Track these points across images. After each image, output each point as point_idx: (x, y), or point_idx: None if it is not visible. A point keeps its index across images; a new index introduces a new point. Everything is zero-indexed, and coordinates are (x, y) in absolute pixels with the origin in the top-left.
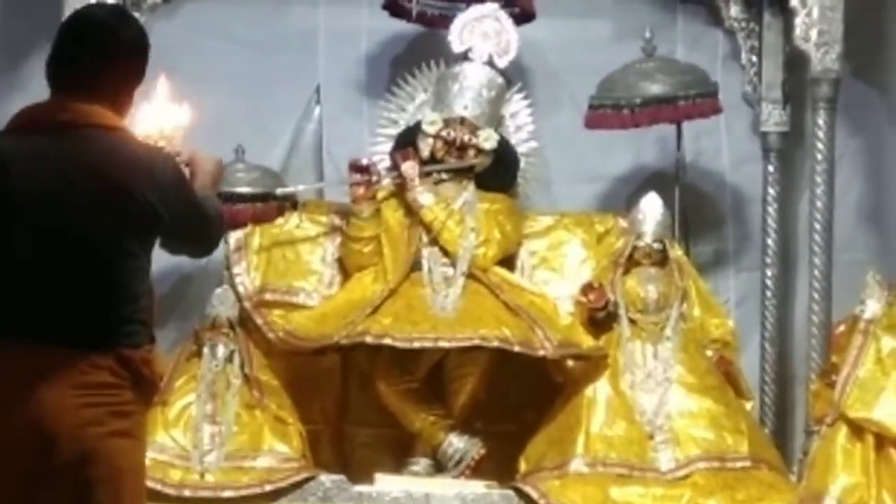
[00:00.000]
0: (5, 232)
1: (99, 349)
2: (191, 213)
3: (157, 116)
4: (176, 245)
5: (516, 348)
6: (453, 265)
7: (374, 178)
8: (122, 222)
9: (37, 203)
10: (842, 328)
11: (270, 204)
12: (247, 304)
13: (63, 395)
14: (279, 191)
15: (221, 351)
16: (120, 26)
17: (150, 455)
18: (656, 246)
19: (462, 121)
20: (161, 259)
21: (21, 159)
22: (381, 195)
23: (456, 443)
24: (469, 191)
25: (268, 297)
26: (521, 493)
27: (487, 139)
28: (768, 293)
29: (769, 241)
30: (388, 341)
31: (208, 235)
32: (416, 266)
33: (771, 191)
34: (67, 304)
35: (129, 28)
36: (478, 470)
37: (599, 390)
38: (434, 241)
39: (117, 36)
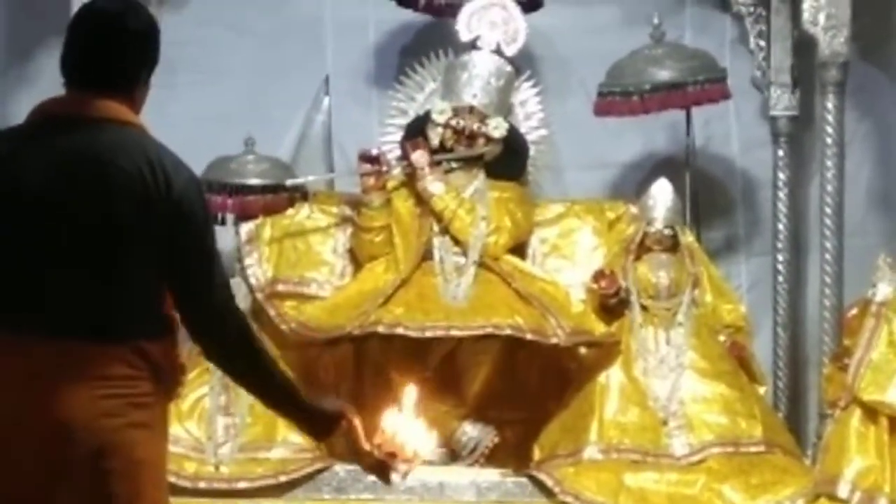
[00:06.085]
0: (16, 227)
1: (116, 341)
2: (189, 245)
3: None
4: (169, 281)
5: (529, 336)
6: (464, 254)
7: (384, 168)
8: (126, 212)
9: (43, 197)
10: (854, 311)
11: (281, 195)
12: (259, 296)
13: (79, 387)
14: (289, 182)
15: None
16: (129, 17)
17: None
18: (667, 232)
19: (471, 109)
20: None
21: (30, 154)
22: (391, 185)
23: (470, 431)
24: (479, 179)
25: (280, 288)
26: (535, 481)
27: (497, 128)
28: (780, 278)
29: (780, 226)
30: (400, 331)
31: (207, 303)
32: (427, 255)
33: (781, 175)
34: (79, 296)
35: (139, 18)
36: (492, 458)
37: (612, 377)
38: (445, 230)
39: (127, 27)
